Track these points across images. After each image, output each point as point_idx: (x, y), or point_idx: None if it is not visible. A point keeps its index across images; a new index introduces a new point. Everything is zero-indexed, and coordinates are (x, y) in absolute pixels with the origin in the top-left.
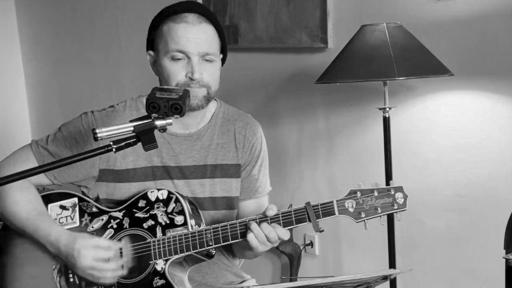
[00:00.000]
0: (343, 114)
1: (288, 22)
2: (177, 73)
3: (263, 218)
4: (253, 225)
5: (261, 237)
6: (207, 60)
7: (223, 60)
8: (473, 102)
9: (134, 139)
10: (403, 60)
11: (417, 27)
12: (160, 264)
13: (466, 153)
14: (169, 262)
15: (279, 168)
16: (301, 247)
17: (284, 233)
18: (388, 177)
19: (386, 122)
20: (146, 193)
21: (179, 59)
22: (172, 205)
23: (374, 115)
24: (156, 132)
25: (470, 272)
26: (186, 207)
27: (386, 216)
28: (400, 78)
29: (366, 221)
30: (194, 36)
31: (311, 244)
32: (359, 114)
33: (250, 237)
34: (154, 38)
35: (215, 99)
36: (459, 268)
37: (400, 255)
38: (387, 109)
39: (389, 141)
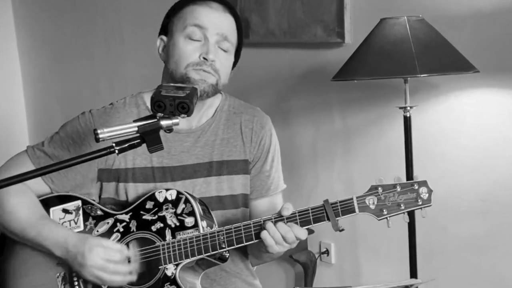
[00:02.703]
0: (361, 113)
1: (303, 15)
2: (190, 52)
3: (278, 217)
4: (269, 225)
5: (277, 237)
6: (223, 50)
7: (234, 63)
8: (500, 100)
9: (138, 140)
10: (425, 56)
11: (440, 20)
12: (170, 269)
13: (492, 155)
14: (179, 266)
15: (293, 170)
16: (317, 256)
17: (301, 233)
18: (409, 180)
19: (407, 122)
20: (154, 193)
21: (195, 40)
22: (181, 206)
23: (394, 114)
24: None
25: (496, 280)
26: (197, 207)
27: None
28: (422, 75)
29: (388, 218)
30: (216, 18)
31: (327, 252)
32: (378, 114)
33: (265, 235)
34: (171, 21)
35: (220, 92)
36: (484, 277)
37: (422, 263)
38: (408, 108)
39: (410, 142)
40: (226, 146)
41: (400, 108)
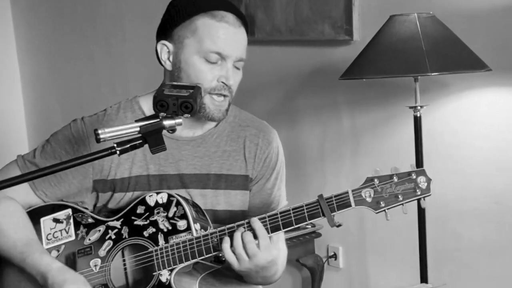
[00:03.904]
0: (370, 113)
1: (310, 12)
2: (208, 76)
3: (272, 215)
4: (239, 232)
5: (238, 243)
6: (236, 67)
7: None
8: None
9: (140, 141)
10: (436, 54)
11: (451, 17)
12: (165, 275)
13: (505, 156)
14: (174, 272)
15: (299, 172)
16: (324, 260)
17: (265, 243)
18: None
19: (417, 122)
20: (145, 198)
21: (213, 62)
22: (173, 209)
23: (404, 114)
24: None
25: (510, 286)
26: (189, 210)
27: (415, 212)
28: (432, 74)
29: (386, 211)
30: (234, 40)
31: (335, 256)
32: (388, 113)
33: (225, 246)
34: (179, 30)
35: None
36: (498, 283)
37: (433, 268)
38: (419, 107)
39: (421, 142)
40: (226, 159)
41: (410, 107)
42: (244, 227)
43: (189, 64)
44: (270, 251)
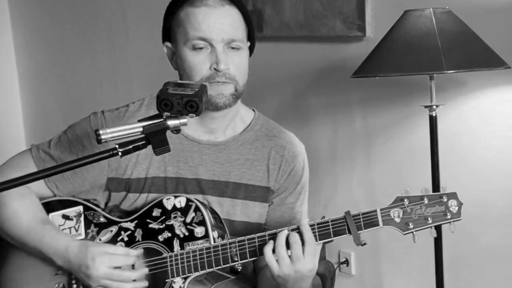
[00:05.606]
0: (384, 112)
1: (320, 7)
2: (200, 65)
3: (295, 229)
4: (284, 233)
5: (281, 245)
6: (233, 48)
7: (250, 49)
8: None
9: (143, 142)
10: (453, 51)
11: (468, 12)
12: (178, 283)
13: None
14: (188, 280)
15: (310, 174)
16: (335, 266)
17: (310, 242)
18: (435, 185)
19: (433, 121)
20: (162, 200)
21: (201, 48)
22: (191, 214)
23: (419, 113)
24: (175, 137)
25: None
26: (208, 216)
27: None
28: (449, 72)
29: (414, 233)
30: (217, 21)
31: (347, 262)
32: (402, 113)
33: (267, 249)
34: (171, 27)
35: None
36: None
37: (449, 275)
38: (434, 106)
39: (437, 143)
40: (248, 169)
41: (426, 107)
42: (288, 230)
43: (183, 58)
44: (313, 259)
